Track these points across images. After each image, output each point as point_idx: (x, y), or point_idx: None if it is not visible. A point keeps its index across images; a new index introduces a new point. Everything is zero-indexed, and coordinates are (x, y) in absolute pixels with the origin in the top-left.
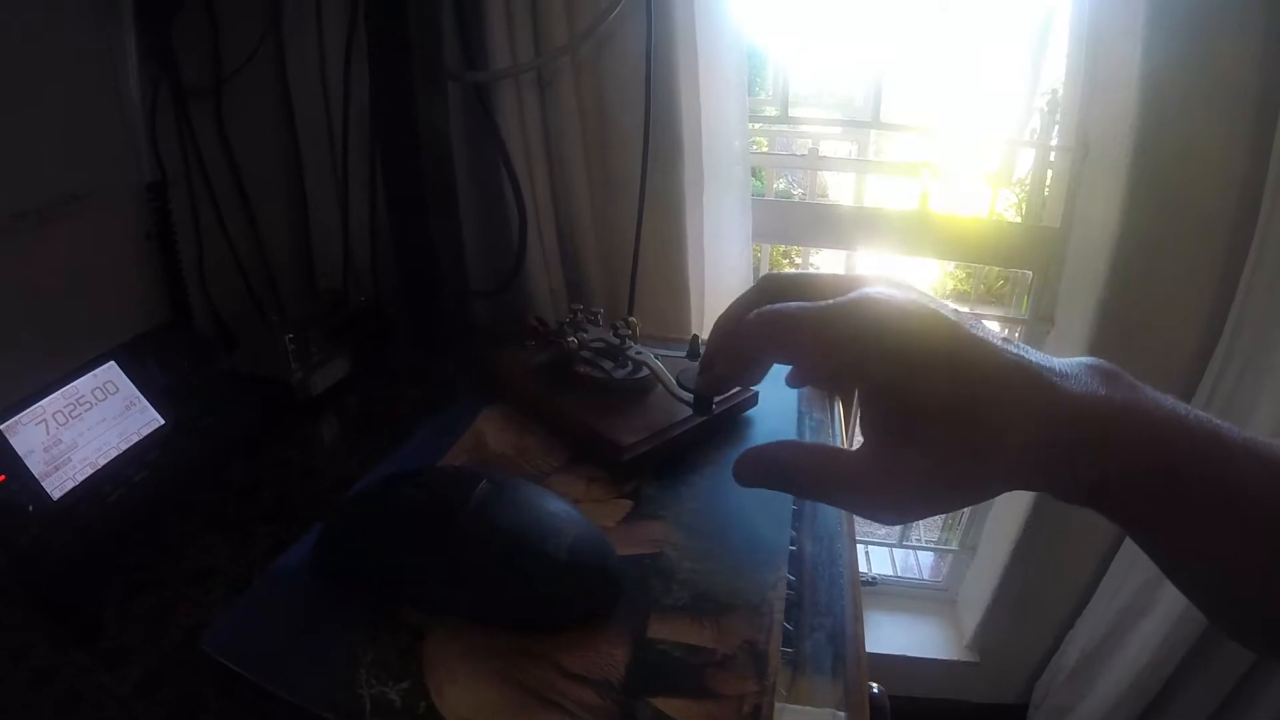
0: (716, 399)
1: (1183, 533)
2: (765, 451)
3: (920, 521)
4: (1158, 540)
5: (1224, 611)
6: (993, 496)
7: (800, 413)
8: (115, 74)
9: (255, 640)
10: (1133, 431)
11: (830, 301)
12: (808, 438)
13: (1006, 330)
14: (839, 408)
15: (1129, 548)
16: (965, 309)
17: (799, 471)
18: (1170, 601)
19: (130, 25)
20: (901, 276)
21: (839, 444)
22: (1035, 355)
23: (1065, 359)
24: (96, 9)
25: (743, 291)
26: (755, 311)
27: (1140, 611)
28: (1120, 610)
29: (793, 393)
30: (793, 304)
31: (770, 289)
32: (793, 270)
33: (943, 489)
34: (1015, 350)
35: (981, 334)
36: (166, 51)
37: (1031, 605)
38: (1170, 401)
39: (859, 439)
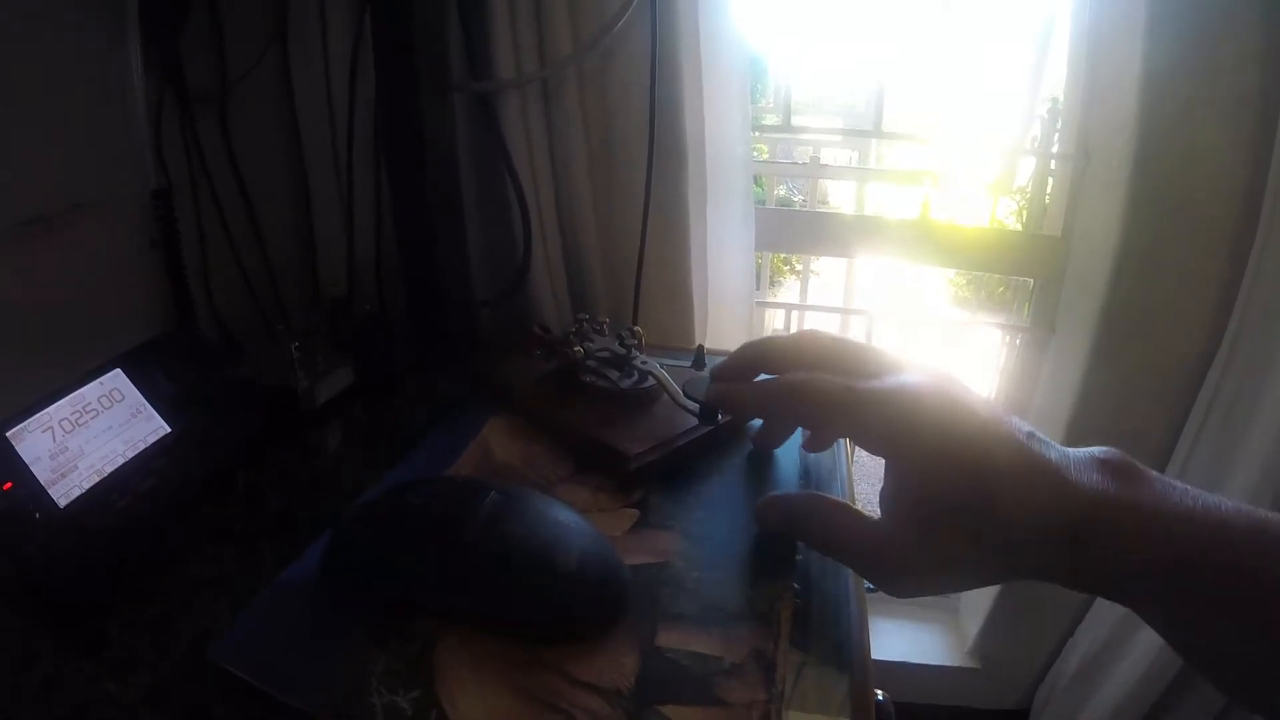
0: (722, 412)
1: (1190, 618)
2: (788, 503)
3: None
4: (1165, 624)
5: (1234, 686)
6: (997, 584)
7: (803, 431)
8: (120, 82)
9: (263, 650)
10: (1137, 533)
11: (873, 385)
12: (811, 457)
13: (1007, 338)
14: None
15: None
16: (967, 315)
17: (818, 530)
18: None
19: (136, 33)
20: (935, 363)
21: (843, 465)
22: (1054, 450)
23: (1078, 450)
24: (102, 17)
25: (746, 292)
26: (800, 376)
27: (1141, 620)
28: (1121, 616)
29: None
30: (836, 380)
31: (811, 347)
32: (834, 335)
33: (948, 577)
34: (1037, 448)
35: (1008, 430)
36: (172, 59)
37: (1033, 612)
38: (1178, 491)
39: (860, 463)
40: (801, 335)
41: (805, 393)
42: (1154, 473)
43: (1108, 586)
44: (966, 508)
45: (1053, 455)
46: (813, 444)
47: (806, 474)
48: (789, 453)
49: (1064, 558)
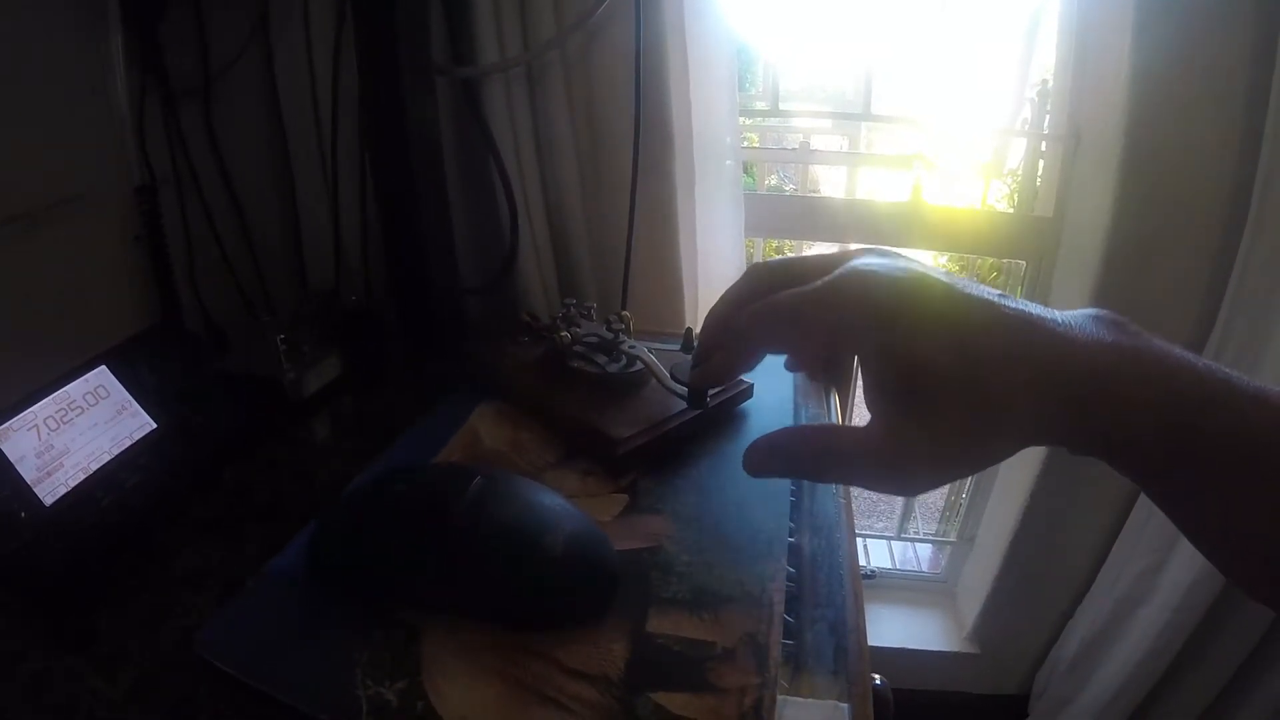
0: (711, 392)
1: (1195, 481)
2: (771, 439)
3: (918, 514)
4: (1170, 491)
5: (1235, 563)
6: (1005, 458)
7: (796, 405)
8: (103, 76)
9: (249, 642)
10: (1141, 380)
11: (820, 282)
12: (802, 419)
13: None
14: (835, 399)
15: (1126, 538)
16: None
17: (806, 453)
18: (1168, 590)
19: (117, 26)
20: (887, 246)
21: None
22: (1036, 309)
23: (1068, 311)
24: (82, 10)
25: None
26: (749, 309)
27: (1139, 600)
28: (1119, 599)
29: (788, 384)
30: (784, 293)
31: (759, 278)
32: (779, 257)
33: (952, 456)
34: (1015, 305)
35: (978, 293)
36: (153, 52)
37: (1031, 596)
38: (1179, 350)
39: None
40: (748, 271)
41: (766, 317)
42: (1153, 334)
43: (1116, 447)
44: (954, 372)
45: (1036, 312)
46: (792, 361)
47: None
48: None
49: (1069, 420)
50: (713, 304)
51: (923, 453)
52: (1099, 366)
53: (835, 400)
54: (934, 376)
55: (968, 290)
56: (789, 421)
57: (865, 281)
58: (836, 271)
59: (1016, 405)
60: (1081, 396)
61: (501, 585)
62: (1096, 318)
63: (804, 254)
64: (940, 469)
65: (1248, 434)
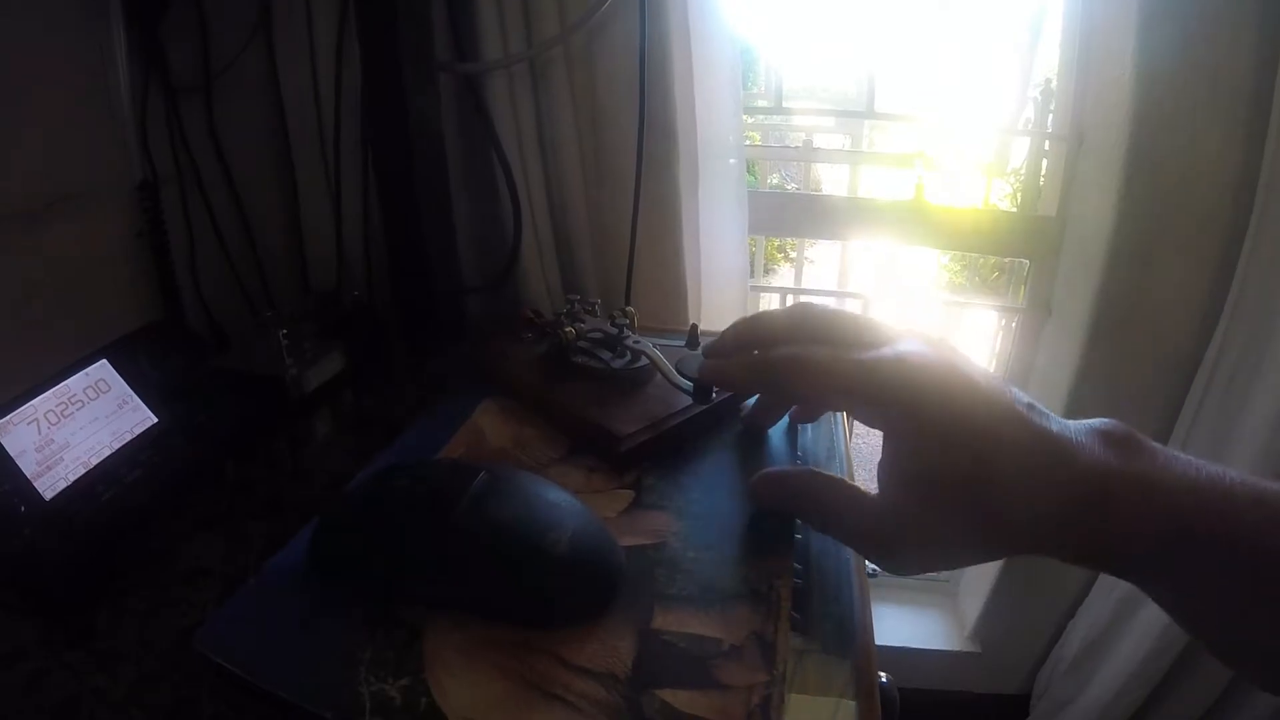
0: (716, 389)
1: (1193, 590)
2: (782, 478)
3: None
4: (1169, 597)
5: (1236, 658)
6: (997, 559)
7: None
8: (105, 72)
9: (251, 639)
10: (1141, 503)
11: (868, 356)
12: (808, 435)
13: (1003, 320)
14: (842, 416)
15: None
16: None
17: (811, 504)
18: None
19: (119, 22)
20: (934, 332)
21: (841, 444)
22: (1055, 424)
23: (1079, 422)
24: (84, 8)
25: (740, 280)
26: (791, 349)
27: (1141, 600)
28: (1121, 599)
29: None
30: (824, 352)
31: (805, 321)
32: (829, 307)
33: (949, 553)
34: (1038, 423)
35: (1009, 401)
36: (156, 48)
37: (1032, 595)
38: (1182, 464)
39: (858, 438)
40: (795, 308)
41: (800, 367)
42: (1155, 444)
43: (1110, 560)
44: (967, 480)
45: (1054, 427)
46: (803, 414)
47: (803, 454)
48: (783, 430)
49: (1066, 531)
50: (721, 302)
51: (918, 541)
52: (1100, 488)
53: (842, 416)
54: (948, 479)
55: (1000, 399)
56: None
57: (904, 372)
58: (885, 349)
59: (1019, 520)
60: (1080, 517)
61: (506, 582)
62: (1106, 434)
63: (853, 314)
64: (931, 560)
65: (1245, 540)
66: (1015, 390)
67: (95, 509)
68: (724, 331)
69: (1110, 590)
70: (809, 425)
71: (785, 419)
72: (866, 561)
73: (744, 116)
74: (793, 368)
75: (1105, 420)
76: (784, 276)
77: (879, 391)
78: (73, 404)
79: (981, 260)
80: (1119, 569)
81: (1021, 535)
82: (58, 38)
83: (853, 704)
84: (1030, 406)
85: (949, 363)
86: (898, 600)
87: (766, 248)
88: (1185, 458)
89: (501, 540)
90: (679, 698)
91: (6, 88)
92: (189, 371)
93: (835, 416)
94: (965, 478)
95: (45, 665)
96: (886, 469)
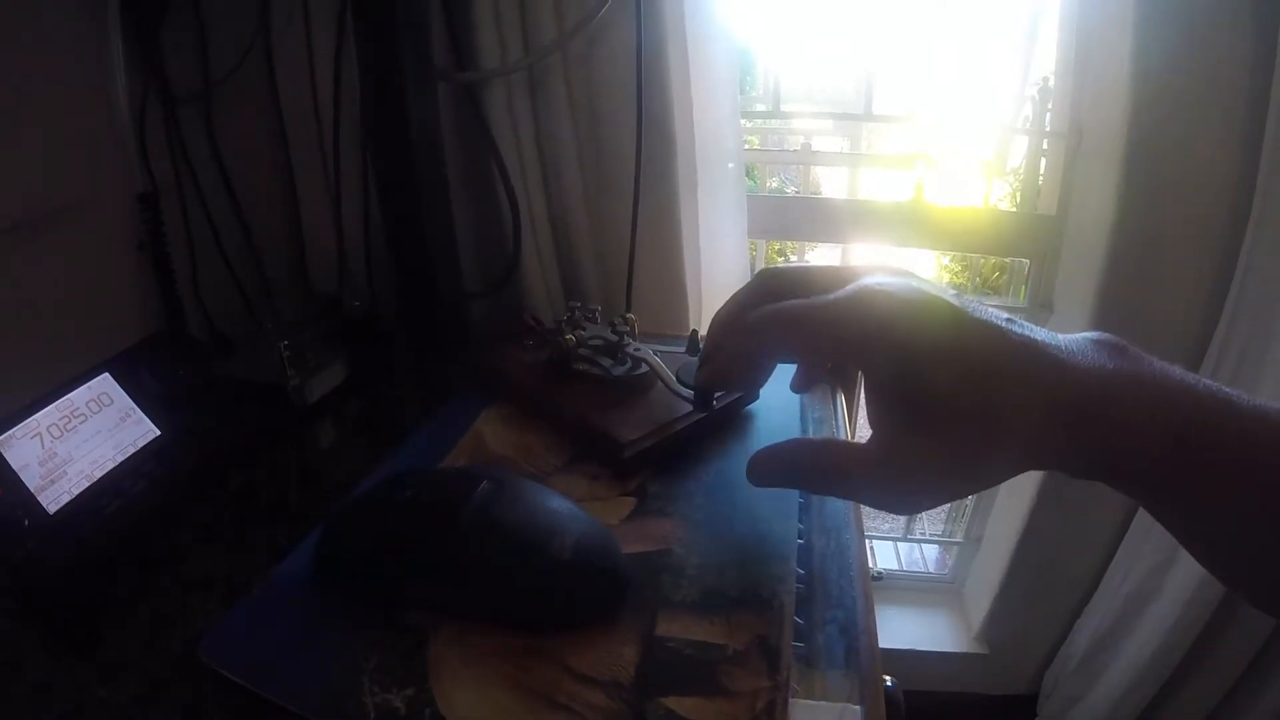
0: (716, 395)
1: (1196, 501)
2: (774, 450)
3: (924, 515)
4: (1172, 510)
5: (1238, 576)
6: (1003, 480)
7: (803, 406)
8: (104, 83)
9: (255, 649)
10: (1141, 404)
11: (832, 296)
12: (811, 433)
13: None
14: (841, 402)
15: (1134, 534)
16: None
17: (808, 467)
18: (1177, 586)
19: (117, 32)
20: (898, 264)
21: (843, 437)
22: (1041, 334)
23: (1070, 335)
24: (82, 16)
25: (740, 286)
26: (757, 311)
27: (1148, 597)
28: (1128, 596)
29: None
30: (794, 301)
31: (768, 285)
32: (790, 265)
33: (955, 477)
34: (1021, 330)
35: (986, 316)
36: (154, 57)
37: (1039, 594)
38: (1179, 372)
39: (863, 430)
40: (757, 276)
41: (775, 322)
42: (1152, 355)
43: (1114, 470)
44: (955, 394)
45: (1039, 337)
46: (798, 382)
47: None
48: (787, 431)
49: (1068, 443)
50: (718, 305)
51: (922, 471)
52: (1098, 391)
53: (841, 403)
54: (937, 397)
55: (975, 313)
56: (795, 423)
57: (874, 300)
58: (848, 287)
59: (1017, 427)
60: (1081, 420)
61: (510, 589)
62: (1097, 342)
63: (816, 264)
64: (939, 488)
65: (1246, 450)
66: (989, 307)
67: (99, 522)
68: (706, 337)
69: (1119, 586)
70: (809, 425)
71: (789, 423)
72: (870, 564)
73: (742, 120)
74: (768, 325)
75: (1098, 332)
76: None
77: (852, 324)
78: (75, 417)
79: (983, 260)
80: (1124, 484)
81: (1020, 444)
82: (56, 49)
83: (858, 709)
84: (1010, 320)
85: (916, 289)
86: (902, 602)
87: (767, 251)
88: (1182, 369)
89: (506, 548)
90: (683, 704)
91: (5, 100)
92: (191, 383)
93: (835, 403)
94: (955, 392)
95: (50, 676)
96: (875, 407)
